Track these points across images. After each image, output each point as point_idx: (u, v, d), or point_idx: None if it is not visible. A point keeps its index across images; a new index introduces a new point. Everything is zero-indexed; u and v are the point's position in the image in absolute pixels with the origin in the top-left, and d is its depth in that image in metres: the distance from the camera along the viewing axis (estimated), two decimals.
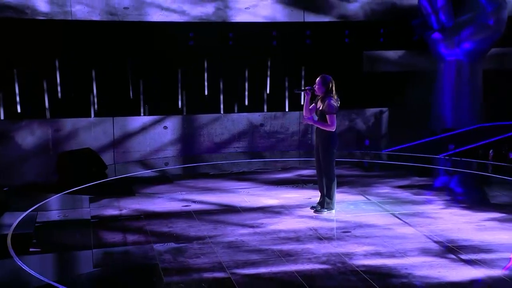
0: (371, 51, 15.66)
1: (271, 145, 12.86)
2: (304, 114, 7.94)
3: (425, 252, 6.49)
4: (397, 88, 14.43)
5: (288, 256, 6.38)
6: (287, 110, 13.38)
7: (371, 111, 13.50)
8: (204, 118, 12.56)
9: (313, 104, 7.91)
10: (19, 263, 6.35)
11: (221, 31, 14.56)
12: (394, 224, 7.52)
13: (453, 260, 6.27)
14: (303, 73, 14.20)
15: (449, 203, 8.61)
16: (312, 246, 6.68)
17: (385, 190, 9.38)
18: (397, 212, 8.02)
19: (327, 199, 7.93)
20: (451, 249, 6.55)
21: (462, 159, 11.82)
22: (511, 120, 13.70)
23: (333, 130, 7.65)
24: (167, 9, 14.40)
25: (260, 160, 12.16)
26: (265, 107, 13.30)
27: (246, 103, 13.66)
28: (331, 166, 7.81)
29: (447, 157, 12.03)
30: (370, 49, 15.61)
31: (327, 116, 7.60)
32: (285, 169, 11.25)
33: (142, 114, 12.47)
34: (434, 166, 11.63)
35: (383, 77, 15.05)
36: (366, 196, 8.94)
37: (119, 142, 11.96)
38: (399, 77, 15.01)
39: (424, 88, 14.47)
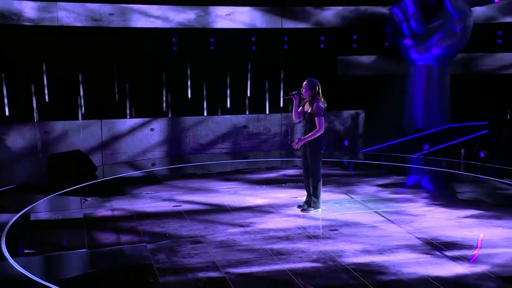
0: (345, 56, 15.76)
1: (254, 146, 12.71)
2: (293, 117, 7.83)
3: (411, 249, 6.41)
4: (371, 91, 14.47)
5: (279, 255, 6.24)
6: (267, 112, 13.25)
7: (347, 113, 13.45)
8: (189, 120, 12.36)
9: (301, 107, 7.78)
10: (15, 264, 6.11)
11: (203, 37, 14.51)
12: (378, 222, 7.43)
13: (438, 256, 6.20)
14: (282, 76, 14.12)
15: (428, 201, 8.55)
16: (302, 245, 6.55)
17: (366, 188, 9.28)
18: (380, 210, 7.93)
19: (313, 198, 7.82)
20: (435, 246, 6.49)
21: (437, 158, 11.79)
22: (476, 121, 13.79)
23: (322, 132, 7.54)
24: (151, 16, 14.28)
25: (245, 161, 11.98)
26: (247, 109, 13.17)
27: (228, 105, 13.51)
28: (318, 166, 7.70)
29: (422, 156, 12.00)
30: (344, 54, 15.70)
31: (315, 118, 7.49)
32: (269, 169, 11.08)
33: (128, 117, 12.20)
34: (411, 165, 11.59)
35: (356, 80, 15.11)
36: (350, 194, 8.83)
37: (107, 144, 11.69)
38: (372, 81, 15.09)
39: (396, 91, 14.51)
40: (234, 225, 7.33)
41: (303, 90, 7.63)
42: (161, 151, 12.13)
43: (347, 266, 5.89)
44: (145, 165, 11.50)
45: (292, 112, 7.95)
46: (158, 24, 14.41)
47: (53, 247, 6.72)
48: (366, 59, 16.04)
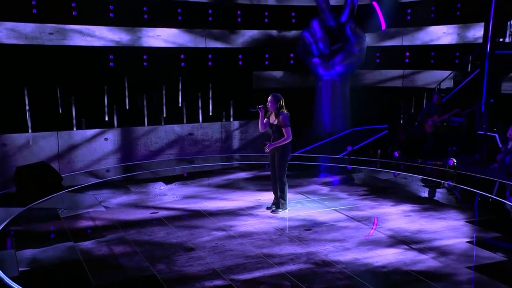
0: (259, 72, 15.67)
1: (198, 151, 12.01)
2: (259, 128, 7.35)
3: (382, 244, 6.17)
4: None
5: (272, 258, 5.74)
6: (200, 121, 12.60)
7: None
8: (140, 129, 11.43)
9: (266, 119, 7.31)
10: (11, 283, 5.10)
11: (136, 54, 13.84)
12: (342, 219, 7.13)
13: (408, 249, 6.02)
14: (210, 86, 13.55)
15: (369, 197, 8.35)
16: (288, 247, 6.10)
17: (315, 187, 8.94)
18: (338, 208, 7.63)
19: (281, 200, 7.38)
20: (400, 240, 6.28)
21: (358, 158, 11.71)
22: (371, 124, 13.99)
23: (290, 140, 7.11)
24: (89, 35, 13.23)
25: (199, 165, 11.21)
26: (184, 118, 12.44)
27: (164, 115, 12.70)
28: (285, 171, 7.29)
29: (347, 156, 11.90)
30: (258, 70, 15.58)
31: (283, 129, 7.06)
32: (221, 173, 10.43)
33: (75, 128, 10.96)
34: (339, 165, 11.37)
35: (269, 92, 14.91)
36: (305, 194, 8.43)
37: (63, 154, 10.44)
38: (283, 92, 14.93)
39: (306, 101, 14.45)
40: (217, 229, 6.70)
41: (268, 104, 7.21)
42: (115, 158, 11.08)
43: (337, 265, 5.50)
44: (106, 174, 10.38)
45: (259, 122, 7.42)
46: (95, 43, 13.38)
47: (48, 264, 5.70)
48: (277, 74, 16.05)
